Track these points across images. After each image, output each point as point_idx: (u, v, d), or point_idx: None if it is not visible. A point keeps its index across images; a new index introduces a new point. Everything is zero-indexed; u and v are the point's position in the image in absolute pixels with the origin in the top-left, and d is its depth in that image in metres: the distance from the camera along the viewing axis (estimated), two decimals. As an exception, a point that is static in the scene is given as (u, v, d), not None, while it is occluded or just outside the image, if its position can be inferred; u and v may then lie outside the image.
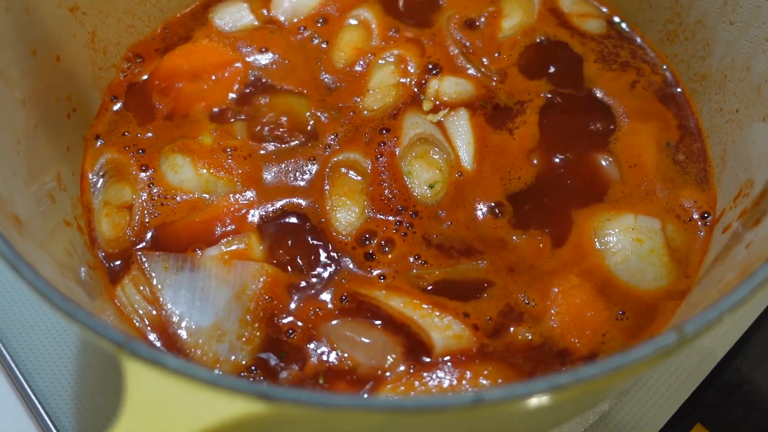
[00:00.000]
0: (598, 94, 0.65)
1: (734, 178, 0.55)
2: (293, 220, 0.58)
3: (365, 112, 0.64)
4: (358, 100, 0.65)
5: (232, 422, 0.33)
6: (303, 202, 0.59)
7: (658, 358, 0.33)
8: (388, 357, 0.51)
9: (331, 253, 0.56)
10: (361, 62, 0.68)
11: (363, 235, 0.57)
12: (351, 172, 0.61)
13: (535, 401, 0.33)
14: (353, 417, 0.33)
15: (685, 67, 0.64)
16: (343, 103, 0.65)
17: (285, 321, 0.53)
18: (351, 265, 0.55)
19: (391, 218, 0.58)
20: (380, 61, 0.68)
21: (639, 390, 0.61)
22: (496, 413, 0.34)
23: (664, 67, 0.66)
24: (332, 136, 0.62)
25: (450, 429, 0.43)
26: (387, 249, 0.56)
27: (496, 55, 0.68)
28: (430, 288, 0.54)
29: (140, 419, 0.33)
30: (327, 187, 0.59)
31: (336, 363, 0.51)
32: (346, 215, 0.58)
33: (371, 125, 0.63)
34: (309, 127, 0.64)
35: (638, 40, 0.68)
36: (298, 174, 0.60)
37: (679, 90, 0.65)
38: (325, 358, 0.52)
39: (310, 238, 0.57)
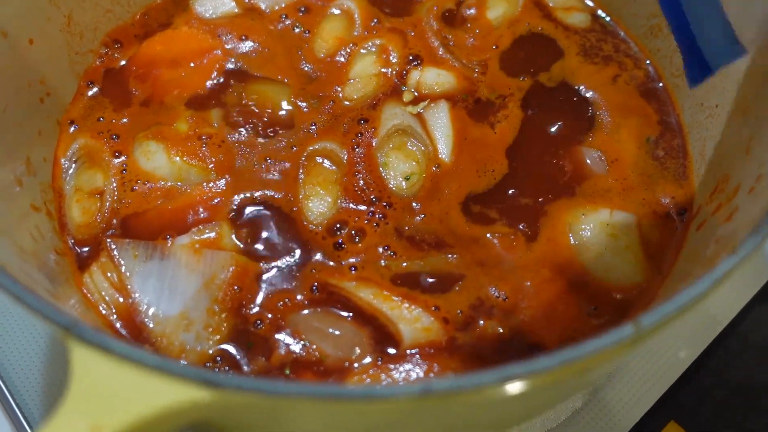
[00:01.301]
0: (579, 88, 0.64)
1: (712, 174, 0.54)
2: (266, 209, 0.58)
3: (345, 102, 0.63)
4: (339, 89, 0.64)
5: (176, 409, 0.32)
6: (276, 191, 0.58)
7: (615, 350, 0.32)
8: (356, 349, 0.51)
9: (302, 243, 0.55)
10: (343, 52, 0.67)
11: (334, 225, 0.56)
12: (326, 162, 0.60)
13: (488, 393, 0.32)
14: (299, 405, 0.32)
15: (668, 62, 0.64)
16: (324, 92, 0.64)
17: (253, 311, 0.52)
18: (320, 256, 0.54)
19: (363, 208, 0.57)
20: (362, 51, 0.67)
21: (613, 387, 0.60)
22: (448, 404, 0.34)
23: (647, 61, 0.65)
24: (310, 126, 0.62)
25: (411, 423, 0.42)
26: (357, 239, 0.55)
27: (480, 45, 0.67)
28: (398, 280, 0.53)
29: (84, 404, 0.32)
30: (301, 176, 0.59)
31: (303, 354, 0.51)
32: (318, 205, 0.57)
33: (350, 115, 0.62)
34: (287, 116, 0.63)
35: (622, 33, 0.67)
36: (273, 163, 0.60)
37: (661, 85, 0.64)
38: (292, 348, 0.51)
39: (281, 228, 0.56)
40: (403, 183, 0.58)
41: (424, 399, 0.31)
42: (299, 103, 0.63)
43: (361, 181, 0.58)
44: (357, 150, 0.60)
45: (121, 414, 0.32)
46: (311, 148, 0.60)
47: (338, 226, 0.56)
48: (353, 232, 0.56)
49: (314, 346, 0.51)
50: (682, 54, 0.41)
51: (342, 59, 0.67)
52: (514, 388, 0.32)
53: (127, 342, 0.42)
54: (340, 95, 0.64)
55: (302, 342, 0.51)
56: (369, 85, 0.65)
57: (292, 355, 0.51)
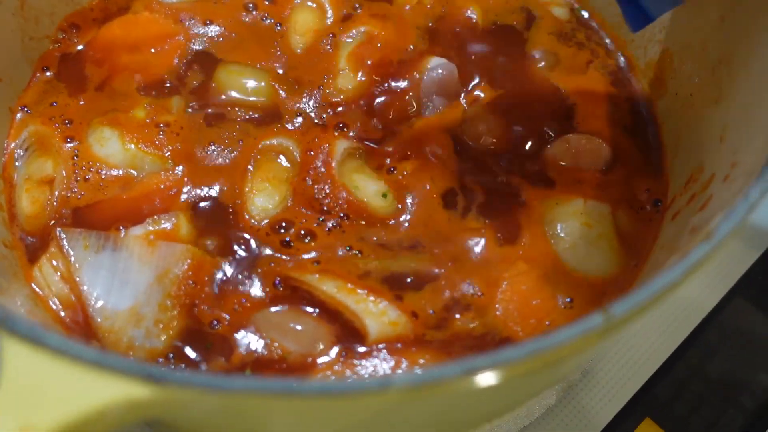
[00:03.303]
0: (554, 81, 0.63)
1: (686, 164, 0.53)
2: (221, 201, 0.55)
3: (334, 98, 0.60)
4: (327, 79, 0.61)
5: (117, 407, 0.30)
6: (228, 183, 0.55)
7: (584, 341, 0.31)
8: (319, 344, 0.48)
9: (253, 238, 0.52)
10: (324, 42, 0.64)
11: (279, 223, 0.53)
12: (281, 157, 0.57)
13: (452, 386, 0.30)
14: (252, 403, 0.30)
15: (642, 51, 0.63)
16: (309, 79, 0.61)
17: (210, 308, 0.50)
18: (275, 251, 0.52)
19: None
20: (348, 40, 0.64)
21: (587, 383, 0.59)
22: (412, 400, 0.32)
23: (620, 53, 0.64)
24: (295, 117, 0.59)
25: (380, 422, 0.40)
26: (308, 239, 0.53)
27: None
28: (365, 277, 0.51)
29: (14, 403, 0.30)
30: (250, 169, 0.56)
31: (265, 353, 0.48)
32: (265, 200, 0.54)
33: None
34: (258, 103, 0.60)
35: (595, 25, 0.66)
36: (228, 153, 0.57)
37: (634, 75, 0.63)
38: (253, 347, 0.48)
39: (232, 221, 0.54)
40: (381, 200, 0.54)
41: (383, 394, 0.29)
42: (278, 87, 0.60)
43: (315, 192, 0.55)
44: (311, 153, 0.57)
45: (54, 413, 0.29)
46: (266, 142, 0.57)
47: (283, 224, 0.53)
48: (302, 232, 0.53)
49: (276, 344, 0.48)
50: (619, 4, 0.41)
51: (328, 49, 0.64)
52: (481, 381, 0.30)
53: (63, 335, 0.39)
54: (329, 91, 0.61)
55: (263, 340, 0.49)
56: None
57: (254, 354, 0.48)
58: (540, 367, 0.32)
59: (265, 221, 0.53)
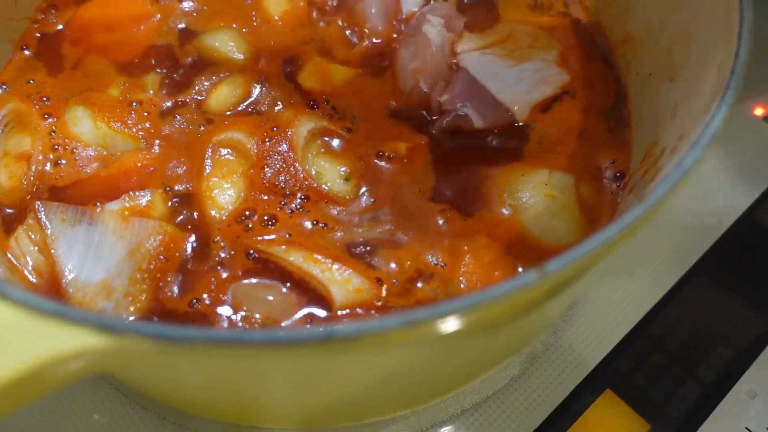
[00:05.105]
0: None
1: (644, 140, 0.55)
2: (187, 188, 0.56)
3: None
4: None
5: (74, 357, 0.31)
6: (188, 173, 0.56)
7: (519, 296, 0.32)
8: (288, 312, 0.50)
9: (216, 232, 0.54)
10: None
11: (242, 214, 0.54)
12: (231, 154, 0.58)
13: (395, 338, 0.32)
14: (199, 353, 0.32)
15: (608, 31, 0.64)
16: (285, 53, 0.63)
17: (180, 283, 0.51)
18: (245, 228, 0.53)
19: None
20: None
21: (551, 355, 0.61)
22: (355, 351, 0.33)
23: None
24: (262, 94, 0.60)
25: (333, 384, 0.42)
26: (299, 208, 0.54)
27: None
28: (331, 249, 0.52)
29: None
30: (208, 155, 0.57)
31: (246, 326, 0.50)
32: (224, 196, 0.55)
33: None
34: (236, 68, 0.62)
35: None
36: (191, 135, 0.58)
37: (604, 54, 0.64)
38: (233, 320, 0.50)
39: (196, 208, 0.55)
40: (343, 184, 0.56)
41: (325, 344, 0.30)
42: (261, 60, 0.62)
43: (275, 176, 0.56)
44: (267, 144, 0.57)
45: (10, 362, 0.31)
46: (218, 137, 0.57)
47: (246, 213, 0.54)
48: (266, 217, 0.54)
49: (258, 315, 0.50)
50: None
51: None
52: (422, 333, 0.32)
53: (26, 289, 0.40)
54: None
55: (241, 312, 0.50)
56: None
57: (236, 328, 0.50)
58: (482, 323, 0.34)
59: (225, 215, 0.53)
